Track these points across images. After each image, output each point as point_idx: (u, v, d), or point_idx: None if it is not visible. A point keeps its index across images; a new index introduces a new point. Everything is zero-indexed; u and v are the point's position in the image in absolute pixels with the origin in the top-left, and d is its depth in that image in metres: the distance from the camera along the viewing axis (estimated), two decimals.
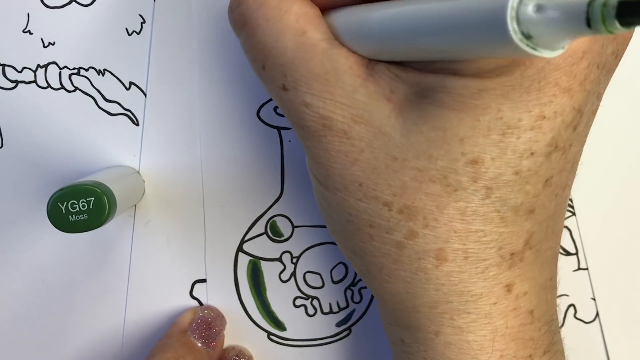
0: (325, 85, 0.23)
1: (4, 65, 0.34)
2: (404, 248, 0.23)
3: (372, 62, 0.23)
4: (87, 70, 0.34)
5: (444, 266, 0.23)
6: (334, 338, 0.36)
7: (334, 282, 0.35)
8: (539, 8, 0.16)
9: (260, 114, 0.34)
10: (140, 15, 0.34)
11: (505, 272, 0.23)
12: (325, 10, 0.25)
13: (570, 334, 0.32)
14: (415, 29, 0.20)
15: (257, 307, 0.35)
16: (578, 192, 0.34)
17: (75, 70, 0.34)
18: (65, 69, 0.34)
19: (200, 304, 0.35)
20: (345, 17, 0.24)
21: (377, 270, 0.24)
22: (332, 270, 0.35)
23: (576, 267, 0.35)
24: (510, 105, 0.21)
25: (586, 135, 0.25)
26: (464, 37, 0.18)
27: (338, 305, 0.35)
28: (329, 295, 0.35)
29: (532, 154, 0.22)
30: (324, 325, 0.35)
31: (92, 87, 0.34)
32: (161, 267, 0.35)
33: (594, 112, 0.25)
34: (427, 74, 0.22)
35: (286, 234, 0.35)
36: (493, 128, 0.21)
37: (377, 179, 0.23)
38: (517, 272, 0.24)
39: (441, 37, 0.19)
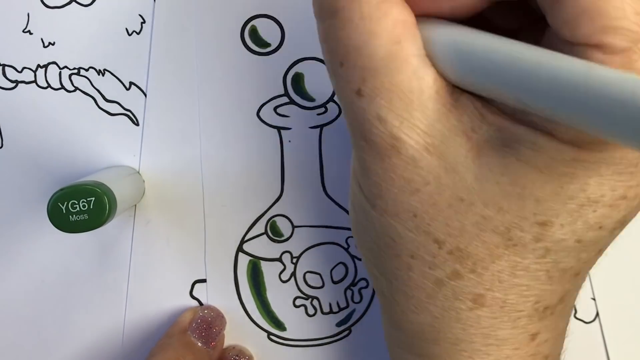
0: (407, 104, 0.21)
1: (4, 65, 0.34)
2: (443, 286, 0.23)
3: (457, 92, 0.22)
4: (87, 70, 0.34)
5: (478, 310, 0.23)
6: (334, 338, 0.36)
7: (334, 282, 0.35)
8: None
9: (260, 114, 0.34)
10: (140, 15, 0.34)
11: (535, 323, 0.23)
12: (422, 15, 0.23)
13: (571, 334, 0.32)
14: (533, 83, 0.18)
15: (257, 307, 0.35)
16: None
17: (75, 70, 0.34)
18: (66, 69, 0.34)
19: (200, 304, 0.35)
20: (446, 34, 0.22)
21: (405, 298, 0.24)
22: (332, 270, 0.35)
23: None
24: (598, 180, 0.20)
25: None
26: (585, 111, 0.17)
27: (338, 305, 0.35)
28: (329, 295, 0.35)
29: (600, 227, 0.22)
30: (324, 325, 0.35)
31: (92, 87, 0.34)
32: (161, 267, 0.35)
33: None
34: (517, 124, 0.21)
35: (286, 234, 0.35)
36: (574, 197, 0.21)
37: (436, 215, 0.22)
38: (546, 323, 0.24)
39: (558, 103, 0.18)
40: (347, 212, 0.35)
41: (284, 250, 0.35)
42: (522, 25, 0.23)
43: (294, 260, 0.35)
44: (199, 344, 0.33)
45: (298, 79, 0.34)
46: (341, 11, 0.21)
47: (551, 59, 0.18)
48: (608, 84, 0.16)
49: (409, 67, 0.21)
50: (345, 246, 0.35)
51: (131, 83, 0.34)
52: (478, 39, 0.20)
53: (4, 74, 0.34)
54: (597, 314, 0.35)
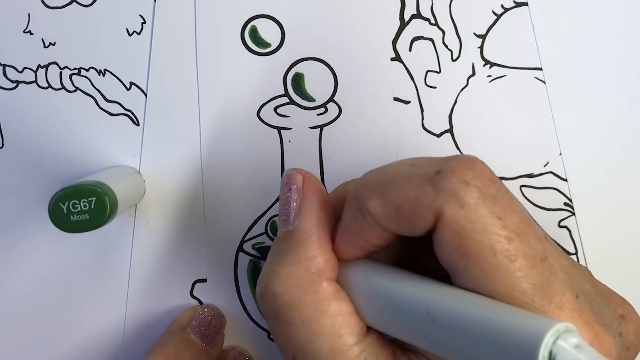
0: None
1: (4, 66, 0.34)
2: None
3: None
4: (87, 70, 0.34)
5: None
6: None
7: None
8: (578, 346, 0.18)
9: (260, 114, 0.34)
10: (140, 15, 0.34)
11: None
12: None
13: None
14: (437, 330, 0.21)
15: (257, 307, 0.35)
16: (578, 193, 0.34)
17: (76, 71, 0.34)
18: (66, 69, 0.34)
19: (201, 303, 0.35)
20: (363, 284, 0.25)
21: None
22: None
23: None
24: None
25: None
26: (488, 356, 0.20)
27: None
28: None
29: None
30: None
31: (92, 87, 0.34)
32: (161, 266, 0.35)
33: None
34: None
35: None
36: None
37: None
38: None
39: (462, 346, 0.21)
40: None
41: None
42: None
43: None
44: (198, 342, 0.33)
45: (298, 79, 0.34)
46: (283, 316, 0.25)
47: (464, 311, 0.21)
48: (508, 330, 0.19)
49: (352, 355, 0.24)
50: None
51: (131, 83, 0.34)
52: (389, 288, 0.24)
53: (4, 74, 0.34)
54: None
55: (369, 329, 0.25)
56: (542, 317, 0.20)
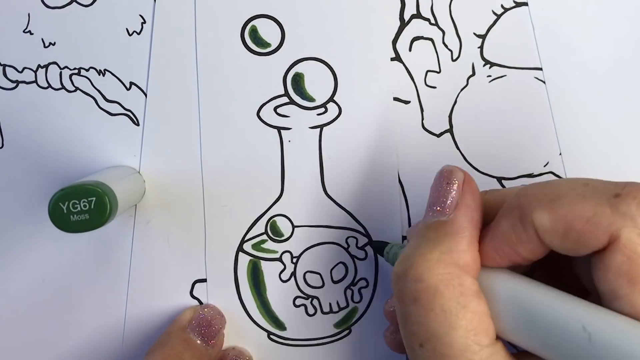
0: None
1: (4, 66, 0.34)
2: None
3: None
4: (87, 70, 0.34)
5: None
6: (333, 338, 0.36)
7: (334, 282, 0.35)
8: None
9: (260, 114, 0.34)
10: (140, 15, 0.34)
11: None
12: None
13: None
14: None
15: (257, 307, 0.35)
16: None
17: (76, 71, 0.34)
18: (66, 69, 0.34)
19: (201, 303, 0.35)
20: (509, 295, 0.24)
21: None
22: (332, 270, 0.35)
23: None
24: None
25: None
26: None
27: (338, 305, 0.35)
28: (329, 295, 0.35)
29: None
30: (323, 325, 0.35)
31: (92, 87, 0.34)
32: (161, 266, 0.35)
33: None
34: None
35: (286, 234, 0.35)
36: None
37: None
38: None
39: None
40: (347, 212, 0.35)
41: (284, 250, 0.35)
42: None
43: (294, 260, 0.35)
44: (198, 341, 0.33)
45: (298, 79, 0.34)
46: (422, 300, 0.24)
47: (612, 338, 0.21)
48: None
49: (482, 356, 0.24)
50: (345, 246, 0.35)
51: (131, 83, 0.34)
52: (540, 301, 0.23)
53: (4, 74, 0.34)
54: None
55: (497, 338, 0.25)
56: None
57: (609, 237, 0.22)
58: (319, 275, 0.35)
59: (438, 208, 0.27)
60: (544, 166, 0.34)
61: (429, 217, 0.27)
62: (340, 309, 0.35)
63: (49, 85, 0.34)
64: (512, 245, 0.25)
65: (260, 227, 0.35)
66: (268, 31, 0.34)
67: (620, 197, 0.22)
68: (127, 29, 0.34)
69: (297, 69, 0.34)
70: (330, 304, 0.35)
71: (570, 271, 0.25)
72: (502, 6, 0.34)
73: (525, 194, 0.25)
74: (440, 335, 0.24)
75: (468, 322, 0.24)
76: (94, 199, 0.28)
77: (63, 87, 0.34)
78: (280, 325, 0.35)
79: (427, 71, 0.34)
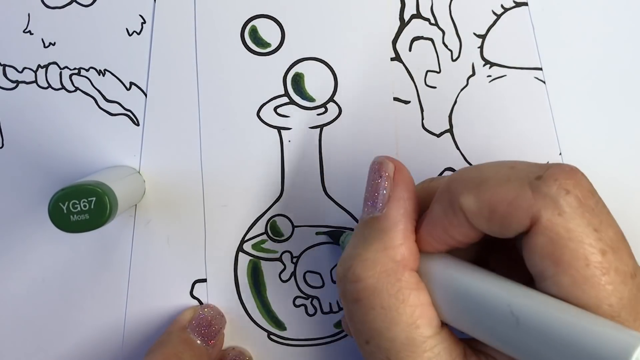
0: None
1: (4, 66, 0.34)
2: None
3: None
4: (87, 70, 0.34)
5: None
6: (333, 338, 0.36)
7: (334, 282, 0.35)
8: None
9: (260, 114, 0.34)
10: (140, 15, 0.34)
11: None
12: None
13: None
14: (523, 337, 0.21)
15: (257, 307, 0.35)
16: None
17: (76, 71, 0.34)
18: (66, 69, 0.34)
19: (201, 303, 0.35)
20: (446, 281, 0.25)
21: None
22: (332, 270, 0.35)
23: None
24: None
25: None
26: None
27: (338, 305, 0.35)
28: (328, 295, 0.35)
29: None
30: (323, 325, 0.35)
31: (92, 87, 0.34)
32: (161, 267, 0.35)
33: None
34: None
35: (286, 234, 0.35)
36: None
37: None
38: None
39: (543, 351, 0.21)
40: (347, 212, 0.35)
41: (284, 250, 0.35)
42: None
43: (294, 260, 0.35)
44: (198, 341, 0.33)
45: (298, 79, 0.34)
46: (363, 300, 0.25)
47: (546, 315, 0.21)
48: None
49: (426, 348, 0.24)
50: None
51: (131, 83, 0.34)
52: (472, 286, 0.24)
53: (4, 74, 0.34)
54: None
55: (444, 325, 0.25)
56: (633, 330, 0.20)
57: (530, 219, 0.22)
58: (319, 275, 0.35)
59: (371, 203, 0.27)
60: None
61: (365, 214, 0.27)
62: (340, 308, 0.35)
63: (49, 85, 0.34)
64: (445, 229, 0.25)
65: (260, 227, 0.35)
66: (268, 31, 0.34)
67: (541, 179, 0.22)
68: (127, 29, 0.34)
69: (297, 69, 0.34)
70: (330, 304, 0.35)
71: (518, 256, 0.26)
72: (502, 6, 0.34)
73: (454, 178, 0.25)
74: (382, 332, 0.25)
75: (408, 316, 0.24)
76: (94, 199, 0.28)
77: (63, 87, 0.34)
78: (280, 325, 0.35)
79: (427, 71, 0.34)
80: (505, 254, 0.26)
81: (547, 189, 0.22)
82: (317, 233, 0.35)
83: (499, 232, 0.24)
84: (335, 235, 0.34)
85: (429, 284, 0.25)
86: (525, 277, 0.24)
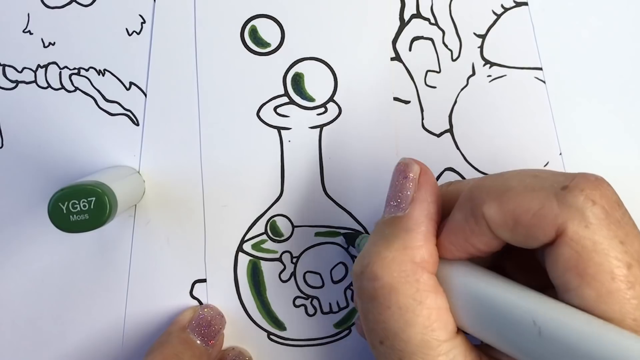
0: None
1: (4, 65, 0.34)
2: None
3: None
4: (87, 70, 0.34)
5: None
6: (333, 338, 0.36)
7: (334, 282, 0.35)
8: None
9: (260, 114, 0.34)
10: (140, 15, 0.34)
11: None
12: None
13: None
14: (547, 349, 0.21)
15: (257, 307, 0.35)
16: None
17: (76, 71, 0.34)
18: (66, 69, 0.34)
19: (201, 303, 0.35)
20: (466, 288, 0.25)
21: None
22: (332, 270, 0.35)
23: None
24: None
25: None
26: None
27: (338, 305, 0.35)
28: (329, 295, 0.35)
29: None
30: (323, 325, 0.35)
31: (92, 87, 0.34)
32: (161, 267, 0.35)
33: None
34: None
35: (286, 234, 0.35)
36: None
37: None
38: None
39: None
40: (347, 212, 0.35)
41: (284, 250, 0.35)
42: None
43: (294, 260, 0.35)
44: (198, 342, 0.33)
45: (298, 79, 0.34)
46: (380, 298, 0.25)
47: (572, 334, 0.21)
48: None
49: (441, 352, 0.24)
50: (345, 246, 0.35)
51: (131, 83, 0.34)
52: (493, 294, 0.23)
53: (4, 74, 0.34)
54: None
55: (459, 331, 0.25)
56: None
57: (556, 230, 0.22)
58: (319, 275, 0.35)
59: (395, 203, 0.27)
60: (544, 166, 0.34)
61: (387, 213, 0.27)
62: (340, 309, 0.35)
63: (49, 85, 0.34)
64: (466, 238, 0.25)
65: (260, 227, 0.35)
66: (268, 31, 0.34)
67: (567, 189, 0.22)
68: (127, 29, 0.34)
69: (297, 69, 0.34)
70: (330, 304, 0.35)
71: (537, 262, 0.25)
72: (502, 6, 0.34)
73: (477, 186, 0.24)
74: (397, 332, 0.24)
75: (425, 318, 0.24)
76: (94, 199, 0.28)
77: (63, 87, 0.34)
78: (280, 325, 0.35)
79: (427, 71, 0.34)
80: (522, 260, 0.26)
81: (573, 200, 0.22)
82: (316, 234, 0.35)
83: (522, 243, 0.23)
84: (351, 238, 0.34)
85: (447, 289, 0.25)
86: (543, 284, 0.23)
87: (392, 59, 0.34)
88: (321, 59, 0.34)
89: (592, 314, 0.21)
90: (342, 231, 0.35)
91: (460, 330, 0.25)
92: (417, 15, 0.34)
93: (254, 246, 0.35)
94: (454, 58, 0.34)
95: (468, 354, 0.24)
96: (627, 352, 0.19)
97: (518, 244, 0.23)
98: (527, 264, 0.26)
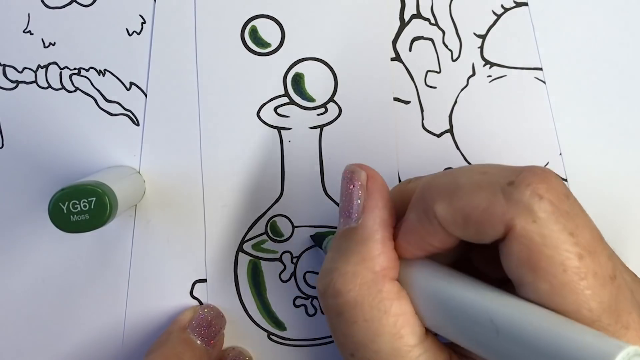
0: None
1: (4, 66, 0.34)
2: None
3: None
4: (87, 70, 0.34)
5: None
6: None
7: None
8: None
9: (260, 114, 0.34)
10: (140, 15, 0.34)
11: None
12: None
13: None
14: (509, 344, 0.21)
15: (257, 307, 0.35)
16: (578, 193, 0.34)
17: (76, 71, 0.34)
18: (66, 69, 0.34)
19: (201, 303, 0.35)
20: (427, 287, 0.25)
21: None
22: None
23: None
24: None
25: None
26: None
27: None
28: None
29: None
30: (324, 325, 0.35)
31: (92, 88, 0.34)
32: (161, 267, 0.35)
33: None
34: None
35: (286, 234, 0.35)
36: None
37: None
38: None
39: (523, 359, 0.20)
40: None
41: (284, 250, 0.35)
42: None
43: (294, 260, 0.35)
44: (198, 342, 0.33)
45: (298, 79, 0.34)
46: (345, 314, 0.25)
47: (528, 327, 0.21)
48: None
49: (412, 357, 0.24)
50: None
51: (131, 83, 0.34)
52: (453, 293, 0.24)
53: (4, 74, 0.34)
54: None
55: (427, 331, 0.25)
56: (612, 338, 0.20)
57: (504, 226, 0.22)
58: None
59: (346, 214, 0.27)
60: (544, 166, 0.34)
61: (341, 225, 0.27)
62: None
63: (49, 85, 0.34)
64: (422, 237, 0.25)
65: (260, 227, 0.35)
66: (268, 31, 0.34)
67: (513, 184, 0.22)
68: (127, 29, 0.34)
69: (297, 69, 0.34)
70: None
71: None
72: (502, 6, 0.34)
73: (428, 185, 0.25)
74: (367, 344, 0.24)
75: (392, 326, 0.24)
76: (94, 199, 0.28)
77: (63, 87, 0.34)
78: (280, 325, 0.35)
79: (427, 71, 0.34)
80: (487, 252, 0.26)
81: (519, 195, 0.22)
82: (316, 234, 0.35)
83: (474, 239, 0.23)
84: (318, 239, 0.34)
85: (410, 291, 0.25)
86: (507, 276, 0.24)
87: (392, 59, 0.34)
88: (321, 59, 0.34)
89: (548, 308, 0.21)
90: (315, 231, 0.35)
91: (429, 332, 0.25)
92: (417, 15, 0.34)
93: (254, 246, 0.35)
94: (454, 58, 0.34)
95: (439, 355, 0.24)
96: (581, 346, 0.19)
97: (471, 240, 0.24)
98: (491, 255, 0.26)
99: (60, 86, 0.34)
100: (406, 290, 0.25)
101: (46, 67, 0.34)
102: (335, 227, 0.35)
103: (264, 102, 0.34)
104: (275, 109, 0.34)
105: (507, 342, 0.21)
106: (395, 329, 0.24)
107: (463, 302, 0.23)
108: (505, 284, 0.24)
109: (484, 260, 0.27)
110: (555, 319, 0.21)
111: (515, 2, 0.34)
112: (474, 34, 0.34)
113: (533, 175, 0.22)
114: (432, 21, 0.34)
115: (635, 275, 0.26)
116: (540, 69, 0.34)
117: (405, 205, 0.26)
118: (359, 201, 0.26)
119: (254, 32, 0.34)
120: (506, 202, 0.22)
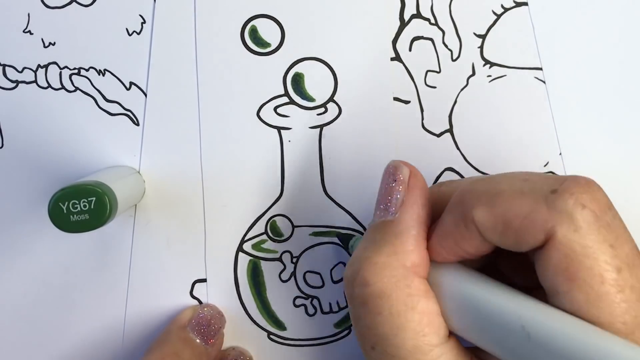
0: None
1: (4, 65, 0.34)
2: None
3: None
4: (87, 70, 0.34)
5: None
6: (333, 338, 0.36)
7: (334, 282, 0.35)
8: None
9: (260, 114, 0.34)
10: (140, 15, 0.34)
11: None
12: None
13: None
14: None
15: (257, 307, 0.35)
16: None
17: (76, 71, 0.34)
18: (66, 69, 0.34)
19: (200, 303, 0.35)
20: (456, 291, 0.24)
21: None
22: (332, 270, 0.35)
23: None
24: None
25: None
26: None
27: (338, 305, 0.35)
28: (328, 295, 0.35)
29: None
30: (323, 325, 0.35)
31: (92, 87, 0.34)
32: (161, 267, 0.35)
33: None
34: None
35: (286, 234, 0.35)
36: None
37: None
38: None
39: None
40: (347, 212, 0.35)
41: (284, 250, 0.35)
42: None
43: (294, 260, 0.35)
44: (197, 340, 0.33)
45: (298, 79, 0.34)
46: (371, 304, 0.24)
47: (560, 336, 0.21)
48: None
49: (433, 356, 0.24)
50: (345, 246, 0.35)
51: (131, 83, 0.34)
52: (483, 298, 0.23)
53: (4, 74, 0.34)
54: None
55: (450, 334, 0.25)
56: None
57: (545, 234, 0.22)
58: (319, 275, 0.35)
59: (384, 206, 0.26)
60: (544, 166, 0.34)
61: (376, 217, 0.27)
62: (340, 309, 0.35)
63: (49, 85, 0.34)
64: (456, 241, 0.25)
65: (260, 227, 0.35)
66: (268, 31, 0.34)
67: (557, 193, 0.22)
68: (127, 29, 0.34)
69: (297, 69, 0.34)
70: (330, 304, 0.35)
71: (530, 263, 0.25)
72: (502, 6, 0.34)
73: (467, 190, 0.24)
74: (389, 338, 0.24)
75: (416, 323, 0.24)
76: (94, 199, 0.28)
77: (63, 87, 0.34)
78: (280, 325, 0.35)
79: (427, 71, 0.34)
80: (516, 260, 0.26)
81: (562, 204, 0.22)
82: (312, 234, 0.35)
83: (512, 246, 0.23)
84: (344, 240, 0.34)
85: (438, 293, 0.25)
86: (535, 285, 0.23)
87: (392, 59, 0.34)
88: (321, 59, 0.34)
89: (581, 318, 0.21)
90: (339, 231, 0.35)
91: (452, 334, 0.25)
92: (417, 15, 0.34)
93: (254, 246, 0.35)
94: (454, 58, 0.34)
95: (460, 358, 0.24)
96: (614, 356, 0.19)
97: (508, 247, 0.23)
98: (520, 264, 0.26)
99: (60, 86, 0.34)
100: (434, 292, 0.25)
101: (46, 67, 0.34)
102: (336, 228, 0.35)
103: (264, 102, 0.34)
104: (275, 109, 0.34)
105: (538, 349, 0.21)
106: (420, 326, 0.24)
107: (494, 306, 0.23)
108: (530, 291, 0.23)
109: (510, 267, 0.27)
110: (589, 329, 0.21)
111: (515, 2, 0.34)
112: (474, 33, 0.34)
113: (576, 185, 0.22)
114: (432, 21, 0.34)
115: None
116: (540, 69, 0.34)
117: (437, 208, 0.26)
118: (398, 196, 0.26)
119: (253, 32, 0.34)
120: (548, 210, 0.22)
